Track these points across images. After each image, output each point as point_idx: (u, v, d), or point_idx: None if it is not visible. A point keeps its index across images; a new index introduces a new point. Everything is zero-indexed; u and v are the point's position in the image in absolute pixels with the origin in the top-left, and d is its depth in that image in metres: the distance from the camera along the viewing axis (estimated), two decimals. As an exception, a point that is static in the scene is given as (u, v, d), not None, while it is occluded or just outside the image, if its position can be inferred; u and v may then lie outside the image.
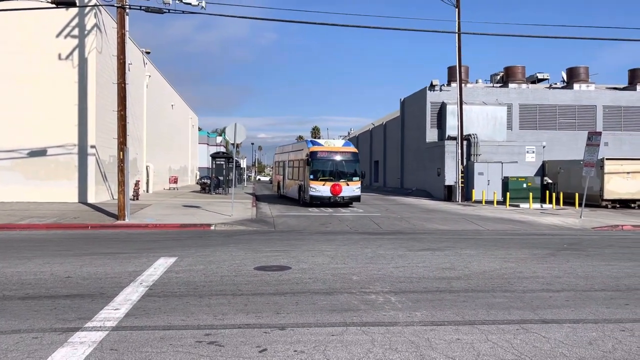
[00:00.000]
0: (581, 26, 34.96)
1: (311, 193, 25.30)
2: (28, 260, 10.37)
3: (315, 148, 26.01)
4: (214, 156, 38.68)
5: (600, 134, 22.03)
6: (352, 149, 27.04)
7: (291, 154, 30.98)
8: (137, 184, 27.38)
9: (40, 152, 23.16)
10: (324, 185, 25.13)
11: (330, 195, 25.09)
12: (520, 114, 39.06)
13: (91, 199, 23.51)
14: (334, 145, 27.04)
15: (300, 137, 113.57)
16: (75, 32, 23.18)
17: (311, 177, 25.31)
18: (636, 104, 40.06)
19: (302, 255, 11.49)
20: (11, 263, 10.10)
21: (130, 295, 7.67)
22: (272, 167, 46.40)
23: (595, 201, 27.35)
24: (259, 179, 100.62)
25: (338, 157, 25.88)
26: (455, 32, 29.90)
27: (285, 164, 32.67)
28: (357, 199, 25.99)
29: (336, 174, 25.51)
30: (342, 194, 25.25)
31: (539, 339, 5.94)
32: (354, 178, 25.92)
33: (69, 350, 5.39)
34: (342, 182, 25.33)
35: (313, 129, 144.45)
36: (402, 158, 46.28)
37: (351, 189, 25.60)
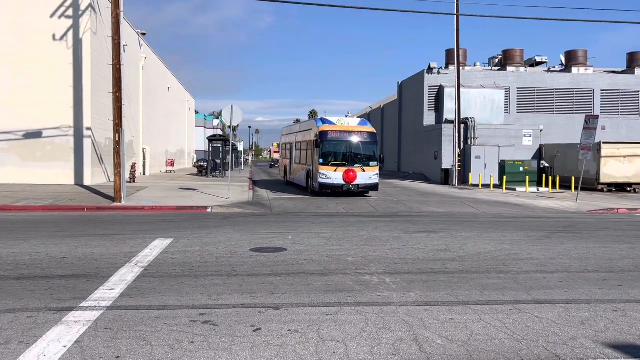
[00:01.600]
0: (580, 8, 34.58)
1: (320, 180, 21.89)
2: (23, 241, 10.36)
3: (326, 127, 22.44)
4: (211, 139, 38.55)
5: (597, 117, 22.00)
6: (369, 128, 23.26)
7: (299, 134, 27.47)
8: (133, 166, 27.32)
9: (36, 134, 23.03)
10: (335, 171, 21.68)
11: (343, 182, 21.64)
12: (518, 97, 38.96)
13: (87, 181, 23.45)
14: (348, 123, 23.09)
15: (297, 120, 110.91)
16: (70, 12, 22.89)
17: (321, 161, 21.83)
18: (634, 88, 39.97)
19: (298, 237, 11.51)
20: (6, 244, 10.10)
21: (125, 276, 7.68)
22: (278, 150, 44.57)
23: (591, 185, 27.42)
24: (274, 165, 79.55)
25: (353, 138, 22.27)
26: (454, 14, 29.66)
27: (292, 146, 28.95)
28: (374, 187, 22.46)
29: (350, 157, 22.05)
30: (356, 182, 21.77)
31: (532, 319, 5.98)
32: (371, 163, 22.27)
33: (63, 329, 5.41)
34: (357, 168, 21.85)
35: (311, 112, 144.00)
36: (400, 141, 46.23)
37: (367, 175, 22.04)
